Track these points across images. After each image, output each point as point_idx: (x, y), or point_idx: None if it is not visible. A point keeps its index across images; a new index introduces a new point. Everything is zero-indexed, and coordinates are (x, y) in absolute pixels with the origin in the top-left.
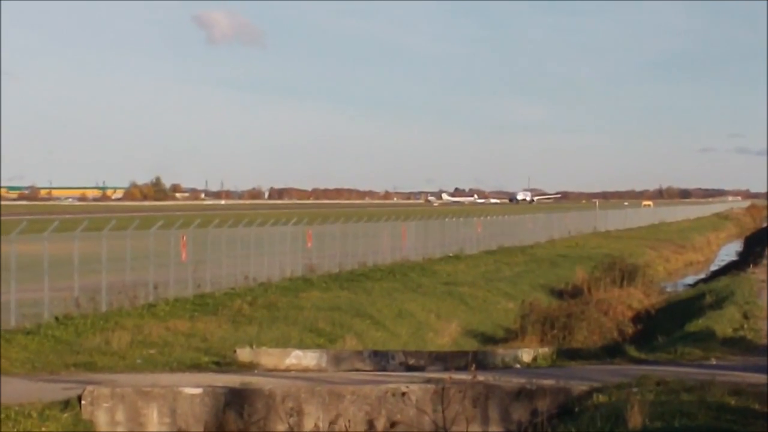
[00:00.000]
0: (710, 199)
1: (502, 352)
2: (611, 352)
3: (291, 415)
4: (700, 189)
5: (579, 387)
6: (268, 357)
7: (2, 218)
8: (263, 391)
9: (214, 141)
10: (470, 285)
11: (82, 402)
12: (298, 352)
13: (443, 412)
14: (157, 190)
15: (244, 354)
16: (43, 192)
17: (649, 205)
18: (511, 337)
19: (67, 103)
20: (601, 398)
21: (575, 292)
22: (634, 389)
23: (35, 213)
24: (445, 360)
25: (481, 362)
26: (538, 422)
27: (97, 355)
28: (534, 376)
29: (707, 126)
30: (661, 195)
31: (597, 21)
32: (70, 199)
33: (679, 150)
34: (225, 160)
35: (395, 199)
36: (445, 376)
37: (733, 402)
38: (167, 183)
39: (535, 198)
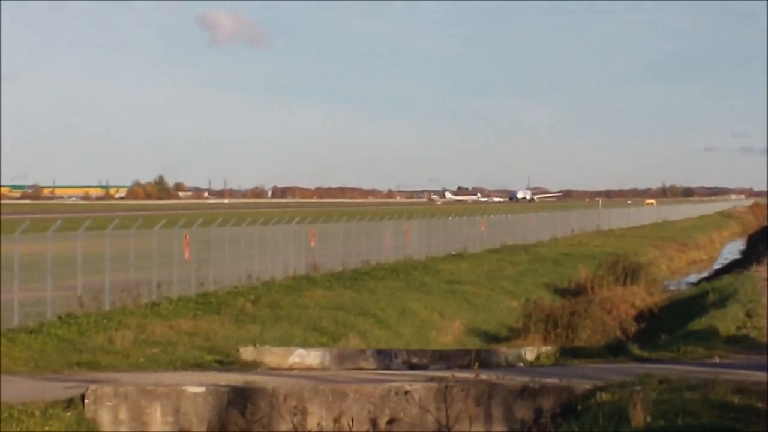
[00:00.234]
0: (713, 198)
1: (505, 350)
2: (614, 350)
3: (295, 414)
4: (703, 187)
5: (582, 385)
6: (272, 356)
7: (6, 217)
8: (266, 390)
9: (217, 140)
10: (473, 284)
11: (86, 401)
12: (301, 351)
13: (446, 410)
14: (160, 188)
15: (247, 353)
16: (46, 191)
17: (652, 204)
18: (514, 335)
19: (71, 103)
20: (605, 397)
21: (578, 291)
22: (637, 387)
23: (38, 212)
24: (449, 359)
25: (484, 361)
26: (541, 421)
27: (101, 354)
28: (537, 375)
29: (710, 125)
30: (664, 193)
31: (600, 21)
32: (73, 198)
33: (682, 149)
34: (228, 159)
35: (398, 197)
36: (448, 374)
37: (736, 400)
38: (170, 182)
39: (536, 196)
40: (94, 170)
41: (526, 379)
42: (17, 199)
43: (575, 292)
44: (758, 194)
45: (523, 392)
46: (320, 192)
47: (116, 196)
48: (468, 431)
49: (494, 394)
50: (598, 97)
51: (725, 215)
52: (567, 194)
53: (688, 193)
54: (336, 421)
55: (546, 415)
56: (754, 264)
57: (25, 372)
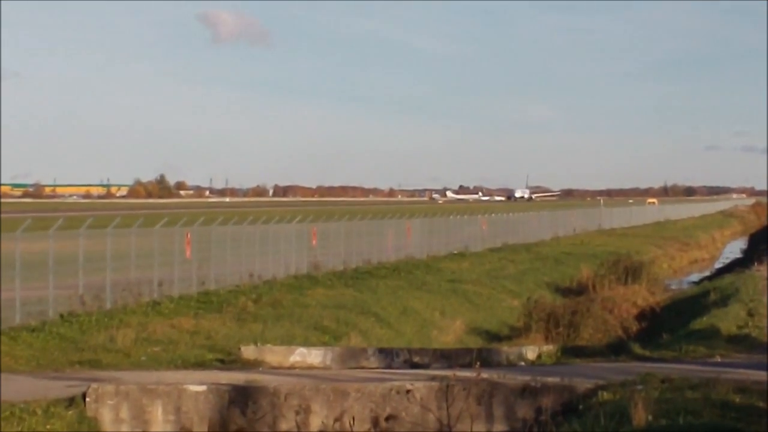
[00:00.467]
0: (715, 197)
1: (506, 349)
2: (616, 349)
3: (298, 413)
4: (704, 187)
5: (583, 384)
6: (273, 354)
7: (8, 216)
8: (268, 389)
9: (218, 139)
10: (475, 283)
11: (87, 399)
12: (302, 350)
13: (447, 409)
14: (161, 187)
15: (248, 351)
16: (47, 189)
17: (653, 203)
18: (515, 334)
19: (72, 101)
20: (606, 396)
21: (580, 290)
22: (639, 387)
23: (40, 210)
24: (450, 357)
25: (485, 360)
26: (542, 420)
27: (102, 352)
28: (538, 374)
29: (712, 124)
30: (666, 193)
31: (602, 19)
32: (75, 197)
33: (684, 148)
34: (229, 158)
35: (400, 196)
36: (450, 373)
37: (737, 399)
38: (172, 180)
39: (534, 195)
40: (95, 169)
41: (527, 378)
42: (19, 197)
43: (577, 291)
44: (760, 193)
45: (525, 391)
46: (321, 191)
47: (117, 195)
48: (469, 430)
49: (495, 393)
50: (600, 96)
51: (727, 214)
52: (568, 193)
53: (689, 192)
54: (337, 420)
55: (547, 414)
56: (756, 263)
57: (26, 370)
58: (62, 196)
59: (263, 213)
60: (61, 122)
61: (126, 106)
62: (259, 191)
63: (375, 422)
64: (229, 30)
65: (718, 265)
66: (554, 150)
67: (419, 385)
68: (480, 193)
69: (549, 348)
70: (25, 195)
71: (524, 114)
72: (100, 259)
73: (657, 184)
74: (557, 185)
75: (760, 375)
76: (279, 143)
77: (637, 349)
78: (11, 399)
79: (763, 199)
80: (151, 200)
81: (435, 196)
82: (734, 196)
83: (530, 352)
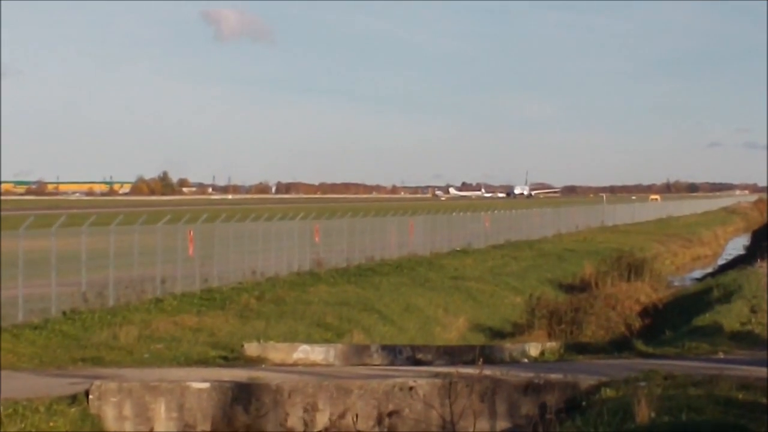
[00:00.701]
0: (718, 194)
1: (509, 346)
2: (619, 346)
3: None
4: (707, 183)
5: (587, 381)
6: (276, 352)
7: (10, 213)
8: (271, 386)
9: (221, 136)
10: (478, 280)
11: (90, 397)
12: (305, 347)
13: (450, 406)
14: (164, 185)
15: (251, 349)
16: (50, 187)
17: (656, 200)
18: (518, 331)
19: (75, 99)
20: (609, 392)
21: (583, 287)
22: (642, 383)
23: (42, 208)
24: (453, 354)
25: (488, 357)
26: (545, 417)
27: (105, 349)
28: (541, 371)
29: (715, 120)
30: (668, 189)
31: (605, 17)
32: (78, 194)
33: (686, 144)
34: (232, 155)
35: (402, 193)
36: (453, 370)
37: (740, 396)
38: (174, 178)
39: (533, 192)
40: (98, 166)
41: (530, 375)
42: (21, 195)
43: (580, 288)
44: (763, 190)
45: (528, 388)
46: (324, 188)
47: (120, 192)
48: (472, 427)
49: (499, 390)
50: (603, 93)
51: (729, 211)
52: (571, 190)
53: (692, 188)
54: (340, 417)
55: (550, 411)
56: (759, 260)
57: (29, 368)
58: (65, 193)
59: (266, 210)
60: (64, 120)
61: (129, 103)
62: (262, 188)
63: (378, 419)
64: (231, 27)
65: (720, 261)
66: (557, 147)
67: (422, 382)
68: (482, 190)
69: (552, 345)
70: (28, 192)
71: (527, 111)
72: (103, 257)
73: (660, 181)
74: (560, 182)
75: (762, 372)
76: (282, 140)
77: (640, 345)
78: (14, 396)
79: (766, 196)
80: (153, 197)
81: (438, 193)
82: (737, 192)
83: (533, 349)
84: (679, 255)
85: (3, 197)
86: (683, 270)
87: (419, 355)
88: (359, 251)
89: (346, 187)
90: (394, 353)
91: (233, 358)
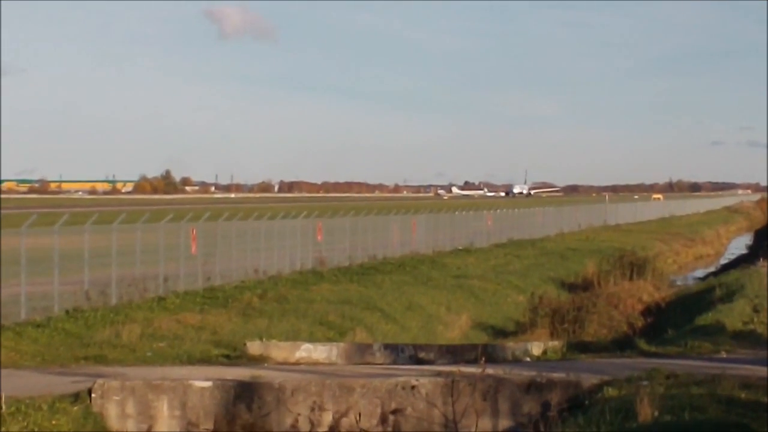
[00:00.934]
0: (720, 193)
1: (512, 345)
2: (621, 345)
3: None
4: (710, 182)
5: (589, 380)
6: (279, 350)
7: (13, 211)
8: (273, 385)
9: (224, 134)
10: (480, 278)
11: (93, 395)
12: (308, 346)
13: (453, 405)
14: (167, 183)
15: (254, 347)
16: (53, 185)
17: (659, 199)
18: (521, 330)
19: (78, 97)
20: (612, 391)
21: (585, 286)
22: (645, 382)
23: (45, 206)
24: (455, 353)
25: (491, 355)
26: (548, 415)
27: (108, 348)
28: (544, 370)
29: (718, 119)
30: (671, 188)
31: (607, 15)
32: (80, 193)
33: (689, 143)
34: (235, 154)
35: (405, 192)
36: (455, 369)
37: (743, 395)
38: (177, 176)
39: (533, 191)
40: (100, 165)
41: (532, 373)
42: (24, 193)
43: (582, 286)
44: (765, 189)
45: (530, 387)
46: (327, 186)
47: (123, 191)
48: (475, 426)
49: (501, 389)
50: (605, 92)
51: (732, 210)
52: (573, 189)
53: (695, 188)
54: (343, 415)
55: (553, 410)
56: (761, 259)
57: (32, 366)
58: (67, 192)
59: (268, 209)
60: (67, 118)
61: (131, 101)
62: (265, 187)
63: (381, 418)
64: (234, 26)
65: (723, 261)
66: (559, 146)
67: (425, 380)
68: (485, 189)
69: (554, 344)
70: (31, 191)
71: (529, 110)
72: (106, 255)
73: (662, 180)
74: (562, 181)
75: (765, 371)
76: (284, 139)
77: (642, 344)
78: (16, 394)
79: None
80: (156, 196)
81: (440, 191)
82: (739, 191)
83: (535, 348)
84: (682, 254)
85: (6, 196)
86: (686, 269)
87: (422, 354)
88: (362, 250)
89: (348, 185)
90: (396, 352)
91: (236, 356)
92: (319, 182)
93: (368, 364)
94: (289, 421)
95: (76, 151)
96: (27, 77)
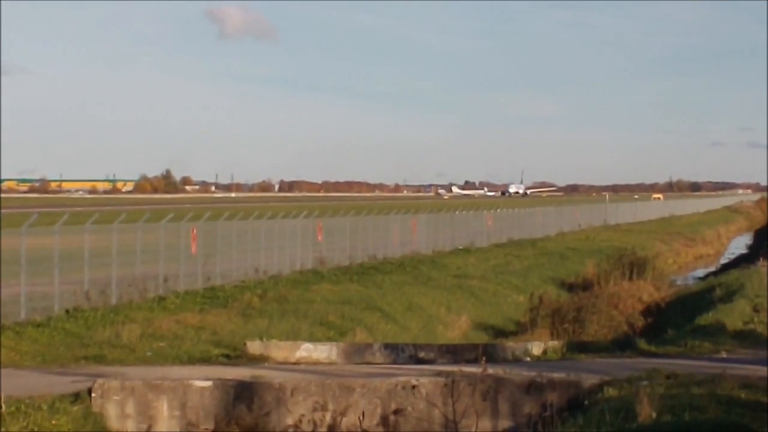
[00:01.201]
0: (720, 193)
1: (512, 345)
2: (621, 345)
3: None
4: (710, 182)
5: (589, 380)
6: (279, 350)
7: (14, 211)
8: (273, 385)
9: (224, 134)
10: (480, 278)
11: (93, 395)
12: (308, 345)
13: (453, 405)
14: (167, 183)
15: (254, 347)
16: (53, 185)
17: (659, 199)
18: (521, 330)
19: (79, 97)
20: (612, 391)
21: (585, 286)
22: (645, 383)
23: (45, 206)
24: (455, 353)
25: (491, 355)
26: (547, 415)
27: (107, 348)
28: (544, 370)
29: (718, 120)
30: (671, 188)
31: (607, 15)
32: (81, 192)
33: (689, 143)
34: (235, 153)
35: (405, 192)
36: (455, 369)
37: (743, 395)
38: (177, 176)
39: (529, 191)
40: (101, 164)
41: (533, 373)
42: (24, 192)
43: (582, 286)
44: (765, 189)
45: (530, 387)
46: (327, 186)
47: (123, 190)
48: (475, 426)
49: (501, 389)
50: (606, 92)
51: (732, 210)
52: (573, 188)
53: (695, 187)
54: (343, 415)
55: (553, 410)
56: (761, 259)
57: (31, 366)
58: (68, 191)
59: (269, 208)
60: (67, 117)
61: (132, 101)
62: (265, 186)
63: (382, 418)
64: (235, 26)
65: (723, 260)
66: (560, 145)
67: (425, 380)
68: (485, 189)
69: (554, 344)
70: (31, 190)
71: (529, 109)
72: (106, 255)
73: (662, 180)
74: (562, 181)
75: (765, 371)
76: (284, 138)
77: (642, 344)
78: (16, 394)
79: None
80: (156, 196)
81: (440, 191)
82: (739, 191)
83: (536, 348)
84: (682, 254)
85: (6, 195)
86: (686, 269)
87: (422, 354)
88: (362, 250)
89: (348, 185)
90: (396, 352)
91: (236, 356)
92: (320, 182)
93: (368, 363)
94: (289, 421)
95: (77, 150)
96: (27, 76)
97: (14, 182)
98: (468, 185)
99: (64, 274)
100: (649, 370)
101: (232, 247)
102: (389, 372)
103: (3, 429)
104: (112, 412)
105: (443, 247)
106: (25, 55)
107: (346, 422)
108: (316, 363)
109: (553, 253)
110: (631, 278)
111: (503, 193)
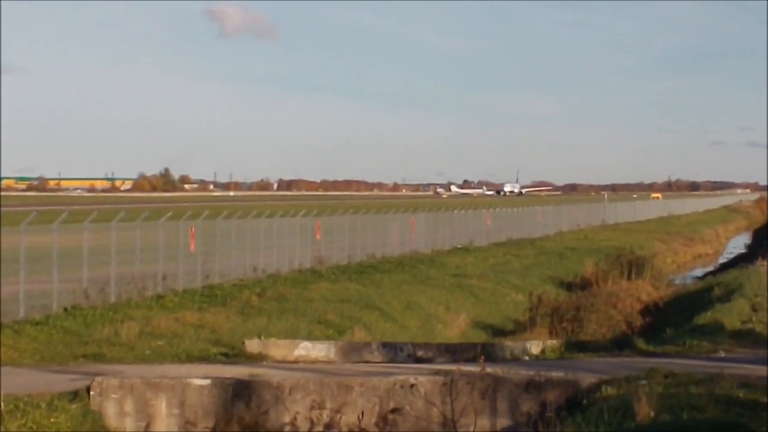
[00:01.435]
0: (719, 192)
1: (510, 344)
2: (620, 344)
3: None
4: (709, 182)
5: (587, 379)
6: (277, 349)
7: (12, 209)
8: (271, 383)
9: (223, 133)
10: (479, 277)
11: (91, 393)
12: (306, 344)
13: (452, 404)
14: (166, 181)
15: (252, 345)
16: (52, 183)
17: (658, 198)
18: (519, 329)
19: (78, 96)
20: (610, 391)
21: (584, 285)
22: (643, 382)
23: (44, 204)
24: (454, 352)
25: (489, 354)
26: (546, 415)
27: (106, 346)
28: (542, 369)
29: (717, 119)
30: (670, 188)
31: (608, 15)
32: (79, 191)
33: (688, 143)
34: (234, 152)
35: (404, 191)
36: (454, 368)
37: (741, 395)
38: (176, 174)
39: (524, 190)
40: (100, 163)
41: (531, 372)
42: (23, 191)
43: (581, 285)
44: (764, 189)
45: (529, 386)
46: (326, 185)
47: (122, 189)
48: (473, 425)
49: (500, 388)
50: (605, 91)
51: (731, 210)
52: (572, 188)
53: (694, 187)
54: (340, 413)
55: (551, 409)
56: (760, 258)
57: (30, 364)
58: (67, 189)
59: (267, 207)
60: (66, 116)
61: (131, 100)
62: (264, 185)
63: (380, 416)
64: (235, 25)
65: (722, 260)
66: (558, 145)
67: (423, 379)
68: (484, 188)
69: (553, 343)
70: (30, 188)
71: (529, 109)
72: (105, 253)
73: (661, 179)
74: (561, 180)
75: (763, 370)
76: (283, 137)
77: (640, 344)
78: (15, 392)
79: (767, 195)
80: (155, 194)
81: (439, 190)
82: (738, 191)
83: (534, 347)
84: (681, 253)
85: (5, 193)
86: (684, 268)
87: (420, 353)
88: (360, 248)
89: (347, 184)
90: (395, 350)
91: (234, 354)
92: (318, 180)
93: (367, 362)
94: (287, 419)
95: (76, 149)
96: (27, 75)
97: (13, 180)
98: (467, 184)
99: (63, 273)
100: (647, 370)
101: (231, 246)
102: (388, 371)
103: (2, 427)
104: (110, 410)
105: (442, 246)
106: (25, 55)
107: (344, 421)
108: (315, 361)
109: (551, 252)
110: (629, 278)
111: (498, 192)
